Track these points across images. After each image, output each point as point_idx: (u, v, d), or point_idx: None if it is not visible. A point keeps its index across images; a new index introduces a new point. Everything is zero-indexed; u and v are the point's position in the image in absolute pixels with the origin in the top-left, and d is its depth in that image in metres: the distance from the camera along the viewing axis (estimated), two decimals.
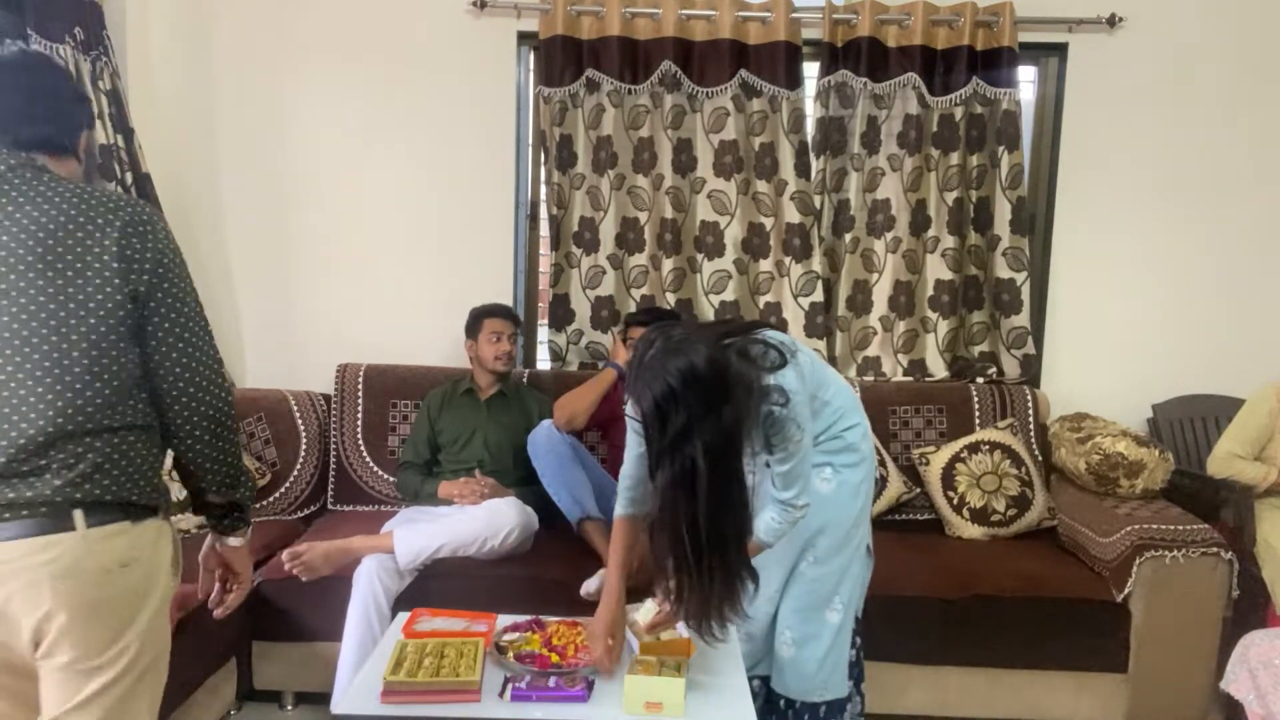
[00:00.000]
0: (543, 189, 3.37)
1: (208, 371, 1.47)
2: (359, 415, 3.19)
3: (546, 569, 2.58)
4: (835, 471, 1.93)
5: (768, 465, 1.79)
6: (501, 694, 1.61)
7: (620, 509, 1.91)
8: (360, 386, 3.21)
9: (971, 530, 2.97)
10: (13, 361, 1.35)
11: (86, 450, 1.36)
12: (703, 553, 1.57)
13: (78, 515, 1.35)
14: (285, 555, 2.49)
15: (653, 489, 1.60)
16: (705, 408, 1.52)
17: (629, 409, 1.68)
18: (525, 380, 3.21)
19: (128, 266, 1.38)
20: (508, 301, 3.27)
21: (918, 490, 3.10)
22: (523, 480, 2.88)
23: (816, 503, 1.90)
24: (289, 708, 2.68)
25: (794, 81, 3.22)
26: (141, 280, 1.40)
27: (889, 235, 3.30)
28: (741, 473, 1.61)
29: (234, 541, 1.61)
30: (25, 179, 1.40)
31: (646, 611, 1.86)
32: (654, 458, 1.57)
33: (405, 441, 3.08)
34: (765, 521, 1.80)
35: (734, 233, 3.30)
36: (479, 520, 2.59)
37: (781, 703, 1.99)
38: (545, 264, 3.44)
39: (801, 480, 1.78)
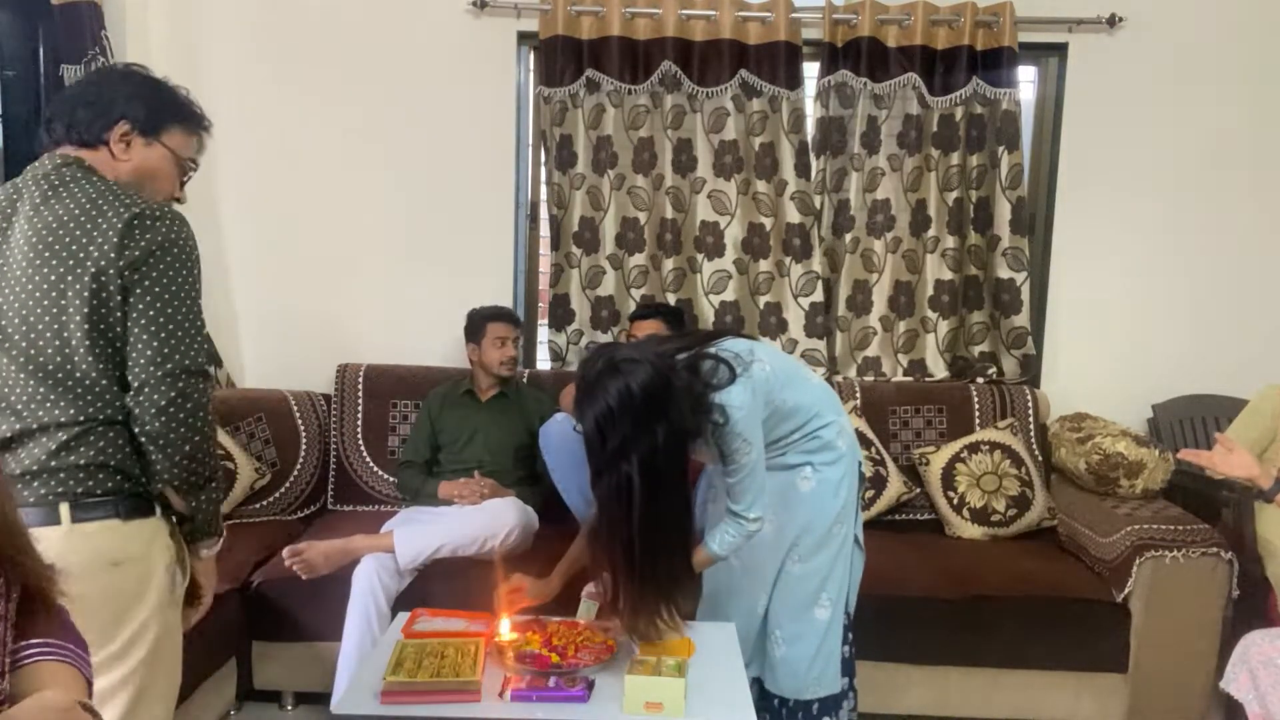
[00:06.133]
0: (543, 189, 3.37)
1: (170, 365, 1.37)
2: (359, 415, 3.19)
3: (546, 569, 2.57)
4: (815, 470, 1.96)
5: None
6: (501, 694, 1.61)
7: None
8: (360, 386, 3.21)
9: (971, 530, 2.97)
10: (8, 354, 1.36)
11: (78, 443, 1.35)
12: (636, 562, 1.69)
13: (64, 510, 1.33)
14: (285, 552, 2.49)
15: (592, 500, 1.73)
16: (640, 427, 1.63)
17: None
18: (525, 380, 3.21)
19: (119, 255, 1.36)
20: (507, 302, 3.26)
21: (918, 490, 3.10)
22: (523, 480, 2.88)
23: (798, 501, 1.95)
24: (289, 708, 2.68)
25: (794, 81, 3.22)
26: (129, 264, 1.36)
27: (889, 235, 3.30)
28: (679, 486, 1.72)
29: (203, 552, 1.52)
30: (63, 178, 1.42)
31: (587, 610, 1.95)
32: (593, 471, 1.69)
33: (405, 441, 3.08)
34: (719, 534, 1.85)
35: (734, 233, 3.30)
36: (479, 520, 2.59)
37: (775, 702, 2.01)
38: (545, 264, 3.44)
39: (752, 493, 1.81)
